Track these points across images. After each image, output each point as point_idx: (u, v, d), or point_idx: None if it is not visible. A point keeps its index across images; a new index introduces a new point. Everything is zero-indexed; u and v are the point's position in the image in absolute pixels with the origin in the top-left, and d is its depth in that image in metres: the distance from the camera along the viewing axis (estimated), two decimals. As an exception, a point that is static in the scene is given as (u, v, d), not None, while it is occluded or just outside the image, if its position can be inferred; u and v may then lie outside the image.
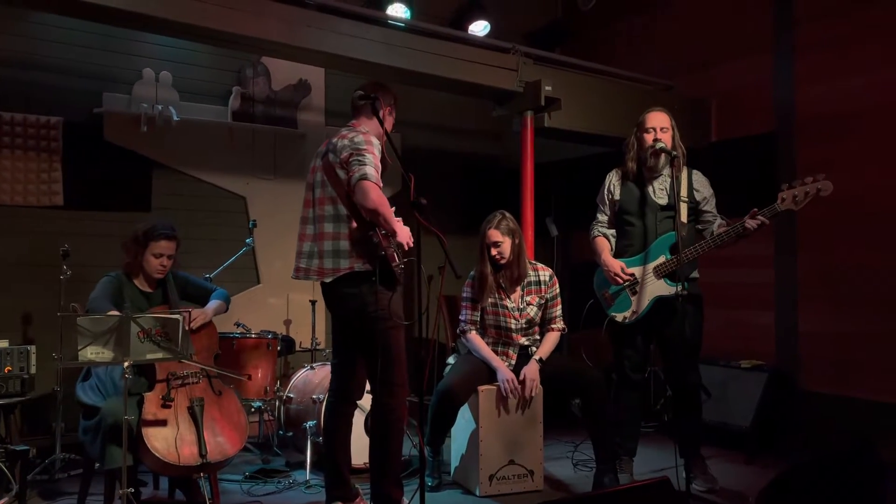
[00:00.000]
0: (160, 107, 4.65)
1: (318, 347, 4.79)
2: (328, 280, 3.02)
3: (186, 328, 3.25)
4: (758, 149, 4.91)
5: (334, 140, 3.06)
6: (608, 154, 4.98)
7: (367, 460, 3.82)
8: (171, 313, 2.88)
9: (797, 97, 4.73)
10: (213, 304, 3.53)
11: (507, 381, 3.60)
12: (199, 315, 3.40)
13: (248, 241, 4.59)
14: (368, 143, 2.97)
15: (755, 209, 3.44)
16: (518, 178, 4.51)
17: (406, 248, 3.05)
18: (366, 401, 3.30)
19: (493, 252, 3.73)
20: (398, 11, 5.01)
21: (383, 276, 2.96)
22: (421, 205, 2.68)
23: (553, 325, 3.83)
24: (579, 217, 5.70)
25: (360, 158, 2.91)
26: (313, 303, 4.83)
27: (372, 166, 2.91)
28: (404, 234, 3.03)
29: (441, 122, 5.69)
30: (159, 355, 2.83)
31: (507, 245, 3.72)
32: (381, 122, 3.07)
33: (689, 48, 5.41)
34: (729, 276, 4.86)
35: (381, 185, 2.93)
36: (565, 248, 6.17)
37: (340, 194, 2.99)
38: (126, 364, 2.75)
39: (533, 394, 3.64)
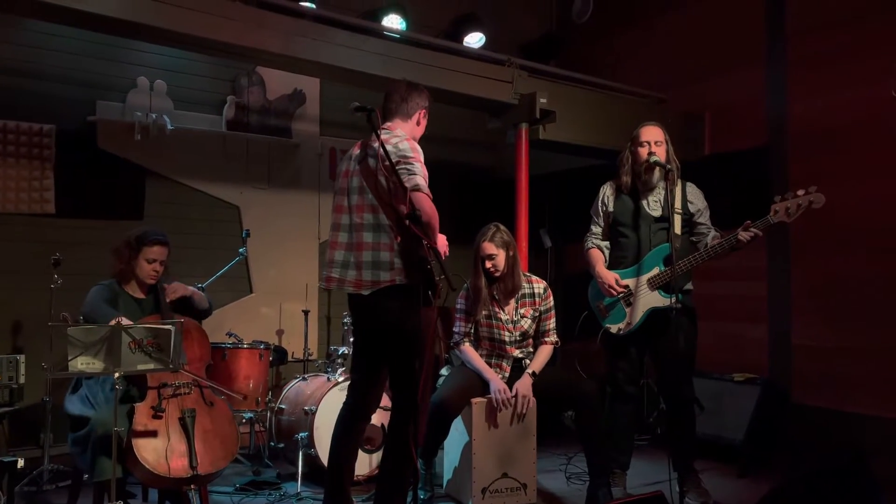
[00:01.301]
0: (154, 115, 4.64)
1: (310, 358, 4.77)
2: (366, 293, 2.86)
3: (167, 300, 3.32)
4: (750, 162, 4.93)
5: (374, 145, 2.85)
6: (602, 166, 4.99)
7: (364, 473, 3.83)
8: (164, 324, 2.85)
9: (790, 111, 4.76)
10: (192, 288, 3.57)
11: (499, 391, 3.58)
12: (180, 287, 3.42)
13: (241, 250, 4.57)
14: (415, 151, 2.81)
15: (748, 221, 3.45)
16: (512, 189, 4.51)
17: (443, 257, 2.90)
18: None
19: (488, 265, 3.72)
20: (394, 23, 5.03)
21: (426, 291, 2.81)
22: (418, 218, 2.64)
23: (546, 339, 3.82)
24: (573, 229, 5.71)
25: (408, 167, 2.74)
26: (306, 313, 4.81)
27: (421, 175, 2.75)
28: (442, 242, 2.91)
29: (435, 133, 5.64)
30: (150, 366, 2.80)
31: (501, 258, 3.72)
32: (377, 134, 3.02)
33: (683, 62, 5.44)
34: (722, 288, 4.87)
35: (431, 195, 2.79)
36: (559, 260, 6.18)
37: (382, 202, 2.82)
38: (117, 375, 2.73)
39: (525, 409, 3.62)
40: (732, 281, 4.90)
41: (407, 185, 2.71)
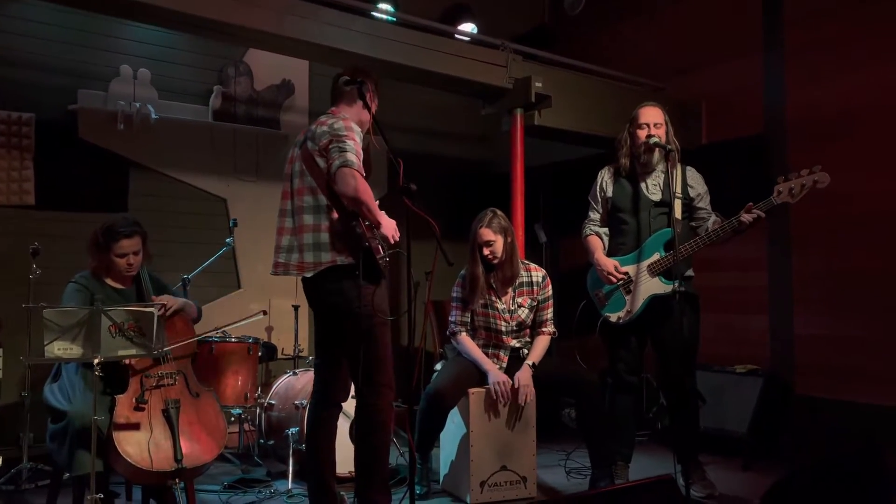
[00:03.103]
0: (138, 105, 4.51)
1: (300, 354, 4.63)
2: (309, 275, 2.86)
3: (161, 315, 3.07)
4: (749, 151, 4.86)
5: (313, 127, 2.91)
6: (597, 156, 4.90)
7: (352, 469, 3.69)
8: (145, 306, 2.70)
9: (788, 98, 4.69)
10: (183, 299, 3.35)
11: (499, 382, 3.46)
12: (171, 300, 3.19)
13: (227, 240, 4.42)
14: (349, 130, 2.82)
15: (751, 203, 3.36)
16: (505, 183, 4.40)
17: (392, 241, 2.88)
18: (349, 406, 3.13)
19: (486, 251, 3.60)
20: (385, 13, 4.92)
21: (367, 270, 2.79)
22: (410, 190, 2.54)
23: (544, 329, 3.70)
24: (568, 223, 5.62)
25: (340, 145, 2.76)
26: (296, 308, 4.67)
27: (353, 153, 2.76)
28: (389, 226, 2.86)
29: (427, 126, 5.58)
30: (132, 352, 2.66)
31: (499, 244, 3.60)
32: (368, 107, 2.94)
33: (678, 51, 5.36)
34: (722, 279, 4.78)
35: (364, 173, 2.78)
36: (554, 255, 6.07)
37: (320, 184, 2.83)
38: (96, 361, 2.58)
39: (528, 400, 3.49)
40: (732, 271, 4.81)
41: (335, 161, 2.73)
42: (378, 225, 2.81)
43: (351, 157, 2.74)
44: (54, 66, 4.37)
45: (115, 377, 2.99)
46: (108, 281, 3.21)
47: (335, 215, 2.82)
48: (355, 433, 2.98)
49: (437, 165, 5.58)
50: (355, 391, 2.93)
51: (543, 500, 3.22)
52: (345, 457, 3.35)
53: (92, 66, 4.49)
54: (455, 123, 5.69)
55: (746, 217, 3.35)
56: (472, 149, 5.95)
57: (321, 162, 2.82)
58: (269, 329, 5.04)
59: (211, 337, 3.99)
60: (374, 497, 2.85)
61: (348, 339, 2.86)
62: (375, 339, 2.82)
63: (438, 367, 4.14)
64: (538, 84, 4.19)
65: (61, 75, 4.38)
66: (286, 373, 4.22)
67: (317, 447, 2.98)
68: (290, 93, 5.19)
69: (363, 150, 2.86)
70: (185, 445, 2.89)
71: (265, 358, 4.43)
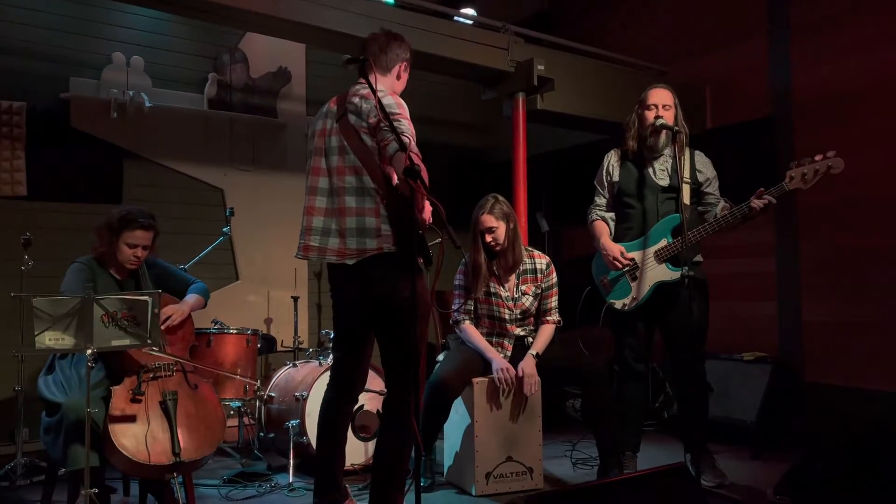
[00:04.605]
0: (132, 93, 4.42)
1: (300, 347, 4.55)
2: (351, 262, 2.64)
3: (161, 327, 2.98)
4: (755, 135, 4.77)
5: (355, 100, 2.63)
6: (599, 143, 4.82)
7: (355, 462, 3.62)
8: (140, 294, 2.60)
9: (794, 80, 4.60)
10: (190, 297, 3.24)
11: (502, 369, 3.37)
12: (176, 312, 3.10)
13: (224, 229, 4.33)
14: (401, 107, 2.57)
15: (762, 189, 3.27)
16: (504, 171, 4.31)
17: (426, 224, 2.64)
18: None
19: (488, 238, 3.52)
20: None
21: (419, 260, 2.56)
22: (416, 171, 2.39)
23: (548, 318, 3.62)
24: (570, 211, 5.54)
25: (396, 125, 2.50)
26: (296, 299, 4.59)
27: (409, 135, 2.50)
28: (428, 212, 2.64)
29: (425, 114, 5.49)
30: (126, 342, 2.56)
31: (501, 230, 3.51)
32: (401, 77, 2.77)
33: (681, 34, 5.27)
34: (728, 265, 4.69)
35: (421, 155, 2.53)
36: (556, 245, 5.99)
37: (367, 164, 2.59)
38: (89, 352, 2.49)
39: (533, 390, 3.41)
40: (739, 258, 4.73)
41: (391, 144, 2.49)
42: (422, 211, 2.58)
43: (409, 140, 2.48)
44: (46, 53, 4.28)
45: (114, 358, 2.90)
46: (109, 269, 3.13)
47: (382, 200, 2.61)
48: (380, 428, 2.84)
49: (434, 154, 5.46)
50: (387, 386, 2.78)
51: (555, 490, 3.13)
52: (351, 449, 3.27)
53: (84, 54, 4.40)
54: (453, 112, 5.60)
55: (757, 203, 3.26)
56: (469, 138, 5.87)
57: (368, 140, 2.59)
58: (269, 321, 4.96)
59: (209, 328, 3.92)
60: (392, 496, 2.70)
61: (390, 332, 2.67)
62: (417, 334, 2.55)
63: (441, 357, 4.06)
64: (540, 67, 4.09)
65: (53, 63, 4.30)
66: (286, 364, 4.14)
67: (330, 442, 2.85)
68: (287, 80, 5.10)
69: None
70: (183, 438, 2.81)
71: (264, 350, 4.35)
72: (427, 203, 2.58)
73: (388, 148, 2.52)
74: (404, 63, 2.82)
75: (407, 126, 2.54)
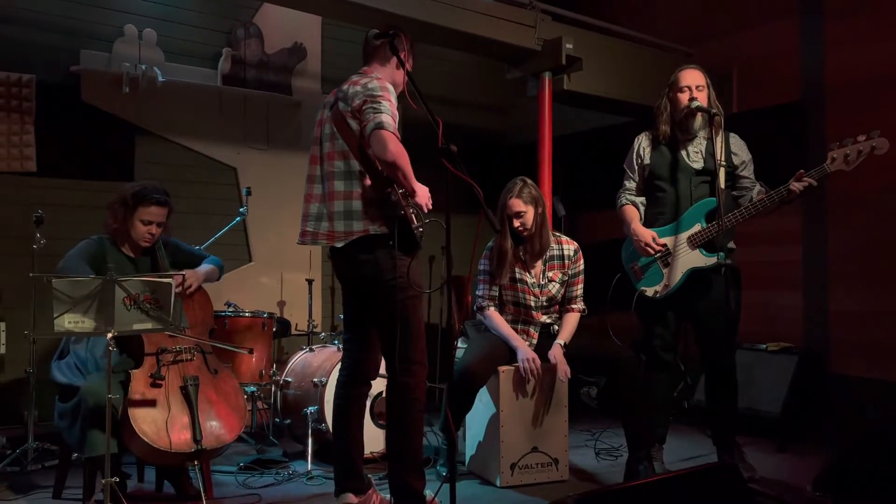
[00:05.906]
0: (144, 67, 4.28)
1: (314, 330, 4.44)
2: (339, 245, 2.68)
3: (177, 290, 2.87)
4: (783, 119, 4.63)
5: (345, 87, 2.72)
6: (621, 126, 4.69)
7: (375, 450, 3.53)
8: (163, 276, 2.50)
9: (827, 63, 4.46)
10: (204, 267, 3.16)
11: (528, 359, 3.27)
12: (192, 276, 3.01)
13: (241, 209, 4.21)
14: (384, 89, 2.63)
15: (801, 171, 3.16)
16: (524, 153, 4.19)
17: (426, 209, 2.70)
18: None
19: (516, 223, 3.40)
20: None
21: (402, 240, 2.62)
22: (451, 152, 2.34)
23: (573, 306, 3.51)
24: (589, 196, 5.42)
25: (375, 106, 2.57)
26: (310, 282, 4.48)
27: (389, 114, 2.57)
28: (424, 194, 2.68)
29: (443, 95, 5.36)
30: (148, 326, 2.46)
31: (529, 215, 3.40)
32: (402, 64, 2.72)
33: (708, 14, 5.12)
34: (752, 254, 4.55)
35: (400, 136, 2.58)
36: (573, 230, 5.87)
37: (353, 147, 2.65)
38: (110, 336, 2.38)
39: (567, 376, 3.31)
40: (764, 245, 4.61)
41: (369, 123, 2.55)
42: (413, 192, 2.63)
43: (386, 118, 2.55)
44: (55, 25, 4.14)
45: (133, 342, 2.81)
46: (121, 247, 3.03)
47: (368, 181, 2.65)
48: (386, 413, 2.81)
49: (453, 136, 5.35)
50: (386, 368, 2.76)
51: (605, 487, 3.04)
52: (369, 437, 3.17)
53: (95, 26, 4.27)
54: (471, 93, 5.46)
55: (796, 185, 3.15)
56: (490, 119, 5.74)
57: (354, 124, 2.64)
58: (282, 304, 4.85)
59: (224, 311, 3.81)
60: (408, 480, 2.68)
61: (380, 312, 2.69)
62: (409, 314, 2.65)
63: (461, 343, 3.96)
64: (569, 46, 3.96)
65: (63, 35, 4.17)
66: (302, 349, 4.04)
67: (346, 427, 2.82)
68: (302, 57, 4.95)
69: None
70: (204, 425, 2.71)
71: (278, 334, 4.25)
72: (424, 188, 2.67)
73: (366, 128, 2.58)
74: (403, 53, 2.81)
75: (388, 107, 2.60)
